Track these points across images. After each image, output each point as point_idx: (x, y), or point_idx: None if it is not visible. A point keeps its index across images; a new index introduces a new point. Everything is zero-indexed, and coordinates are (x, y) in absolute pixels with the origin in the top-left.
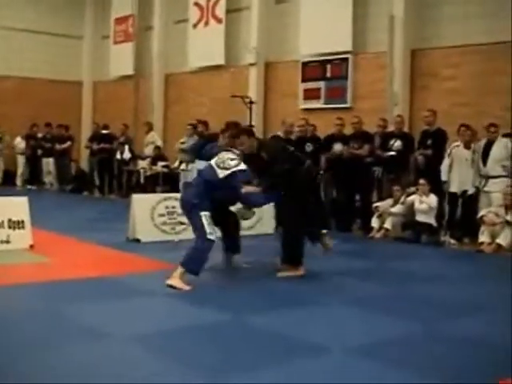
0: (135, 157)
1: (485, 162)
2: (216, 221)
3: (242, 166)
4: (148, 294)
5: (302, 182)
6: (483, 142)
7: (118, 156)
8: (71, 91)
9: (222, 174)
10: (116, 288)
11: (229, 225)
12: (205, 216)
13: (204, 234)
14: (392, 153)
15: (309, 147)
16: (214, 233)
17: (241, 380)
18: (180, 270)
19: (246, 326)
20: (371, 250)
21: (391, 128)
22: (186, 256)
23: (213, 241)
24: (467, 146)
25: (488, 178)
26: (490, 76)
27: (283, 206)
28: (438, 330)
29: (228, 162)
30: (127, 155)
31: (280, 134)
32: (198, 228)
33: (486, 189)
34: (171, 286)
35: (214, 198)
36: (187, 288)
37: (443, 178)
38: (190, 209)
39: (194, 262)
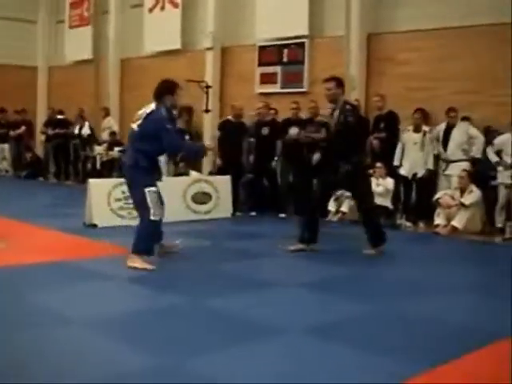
0: (94, 135)
1: (445, 147)
2: None
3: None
4: (106, 279)
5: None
6: (443, 126)
7: (76, 131)
8: (26, 76)
9: (135, 125)
10: (74, 273)
11: None
12: (149, 192)
13: (147, 214)
14: None
15: (264, 131)
16: (158, 212)
17: (201, 362)
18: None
19: (204, 309)
20: (328, 233)
21: None
22: (135, 240)
23: (157, 221)
24: (417, 130)
25: (449, 162)
26: (444, 61)
27: (360, 181)
28: (395, 311)
29: (138, 114)
30: (86, 131)
31: (230, 117)
32: (140, 205)
33: (446, 172)
34: (134, 268)
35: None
36: (150, 267)
37: (395, 162)
38: (131, 178)
39: (142, 243)
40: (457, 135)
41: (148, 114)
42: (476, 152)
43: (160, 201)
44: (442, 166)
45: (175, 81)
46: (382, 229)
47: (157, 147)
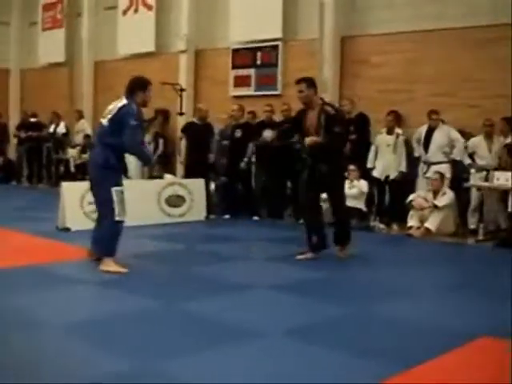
0: (69, 134)
1: (426, 149)
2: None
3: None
4: (79, 282)
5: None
6: (424, 128)
7: (51, 130)
8: None
9: (105, 120)
10: (46, 276)
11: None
12: (116, 192)
13: (112, 215)
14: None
15: (237, 133)
16: (123, 213)
17: (175, 365)
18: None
19: (178, 312)
20: (302, 236)
21: None
22: (99, 243)
23: (122, 222)
24: (390, 132)
25: (430, 164)
26: (418, 63)
27: (338, 187)
28: (371, 312)
29: (109, 108)
30: (62, 129)
31: (195, 120)
32: (103, 204)
33: (427, 175)
34: (107, 272)
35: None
36: (123, 270)
37: (368, 164)
38: (99, 176)
39: (108, 245)
40: (438, 138)
41: (119, 108)
42: (456, 154)
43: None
44: (423, 168)
45: (146, 78)
46: (349, 229)
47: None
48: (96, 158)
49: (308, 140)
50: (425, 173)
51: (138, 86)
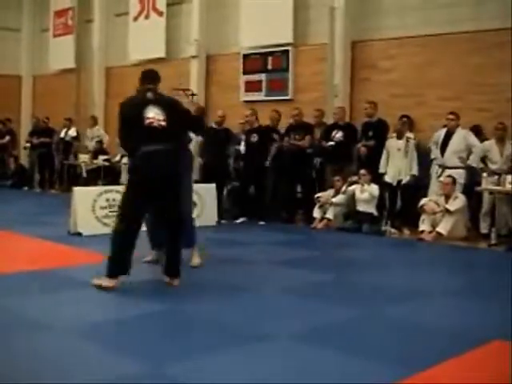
0: (79, 139)
1: (443, 152)
2: None
3: None
4: (89, 286)
5: None
6: (443, 131)
7: (62, 134)
8: (9, 85)
9: None
10: (58, 281)
11: None
12: None
13: None
14: (332, 143)
15: (254, 138)
16: None
17: (187, 367)
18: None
19: (187, 316)
20: (313, 239)
21: (330, 119)
22: None
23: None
24: (399, 137)
25: (445, 168)
26: (428, 68)
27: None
28: (379, 316)
29: None
30: (73, 133)
31: (213, 125)
32: None
33: (441, 179)
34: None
35: None
36: (146, 259)
37: (380, 169)
38: None
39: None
40: (455, 142)
41: None
42: (473, 161)
43: None
44: (437, 171)
45: None
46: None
47: None
48: None
49: None
50: (439, 176)
51: None
